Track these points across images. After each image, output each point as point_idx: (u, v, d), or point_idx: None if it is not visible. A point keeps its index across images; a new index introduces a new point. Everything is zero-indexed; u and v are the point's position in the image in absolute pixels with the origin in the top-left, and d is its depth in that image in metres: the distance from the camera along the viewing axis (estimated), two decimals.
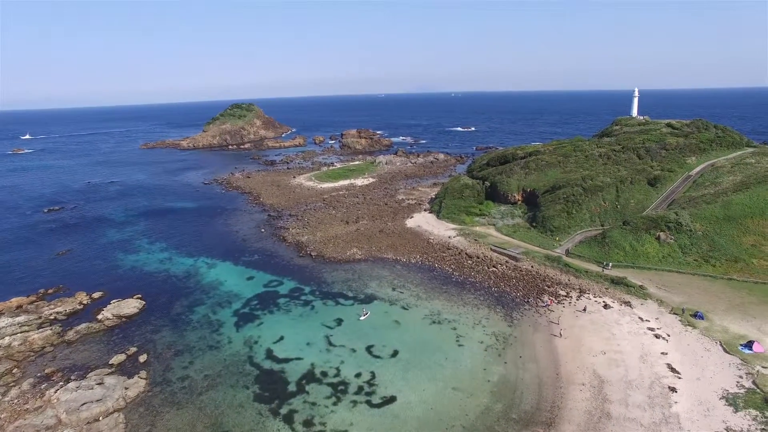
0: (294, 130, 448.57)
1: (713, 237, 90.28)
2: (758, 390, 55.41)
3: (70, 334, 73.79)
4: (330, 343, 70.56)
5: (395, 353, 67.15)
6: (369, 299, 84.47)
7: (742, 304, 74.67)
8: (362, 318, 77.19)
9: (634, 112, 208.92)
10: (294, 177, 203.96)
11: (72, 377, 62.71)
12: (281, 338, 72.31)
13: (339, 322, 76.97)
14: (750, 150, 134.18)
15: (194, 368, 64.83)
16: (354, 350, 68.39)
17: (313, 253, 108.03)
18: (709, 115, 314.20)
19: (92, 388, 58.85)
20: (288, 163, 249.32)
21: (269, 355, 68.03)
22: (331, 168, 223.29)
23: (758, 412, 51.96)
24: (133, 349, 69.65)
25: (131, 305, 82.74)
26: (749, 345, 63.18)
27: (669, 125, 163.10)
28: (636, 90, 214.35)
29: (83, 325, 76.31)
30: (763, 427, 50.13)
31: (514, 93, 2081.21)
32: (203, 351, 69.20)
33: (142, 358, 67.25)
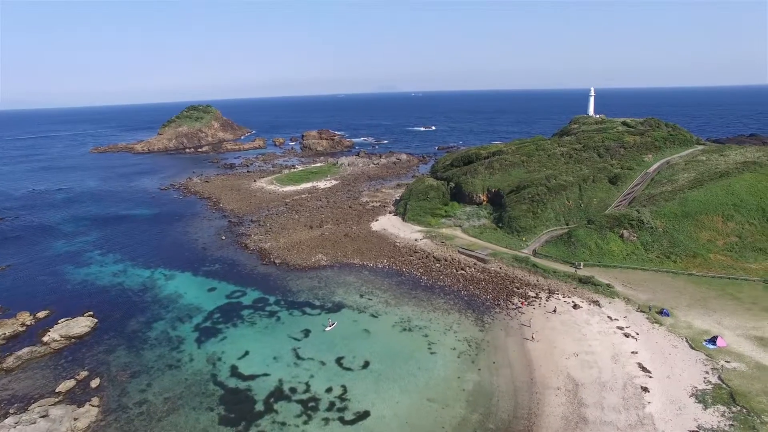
0: (253, 131, 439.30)
1: (673, 233, 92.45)
2: (724, 385, 56.31)
3: (10, 361, 67.60)
4: (298, 357, 67.66)
5: (366, 364, 64.96)
6: (337, 308, 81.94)
7: (703, 299, 76.43)
8: (328, 329, 74.45)
9: (591, 110, 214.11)
10: (254, 180, 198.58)
11: (11, 411, 56.81)
12: (246, 353, 68.85)
13: (306, 333, 74.11)
14: (700, 147, 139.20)
15: (153, 391, 60.63)
16: (323, 363, 65.77)
17: (276, 261, 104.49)
18: (657, 113, 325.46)
19: (35, 422, 53.63)
20: (248, 166, 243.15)
21: (234, 372, 64.54)
22: (292, 170, 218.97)
23: (726, 408, 52.68)
24: (84, 374, 64.47)
25: (82, 324, 77.08)
26: (713, 340, 64.40)
27: (624, 123, 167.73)
28: (592, 89, 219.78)
29: (26, 350, 70.11)
30: (731, 422, 50.79)
31: (473, 92, 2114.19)
32: (162, 371, 64.96)
33: (94, 382, 62.30)
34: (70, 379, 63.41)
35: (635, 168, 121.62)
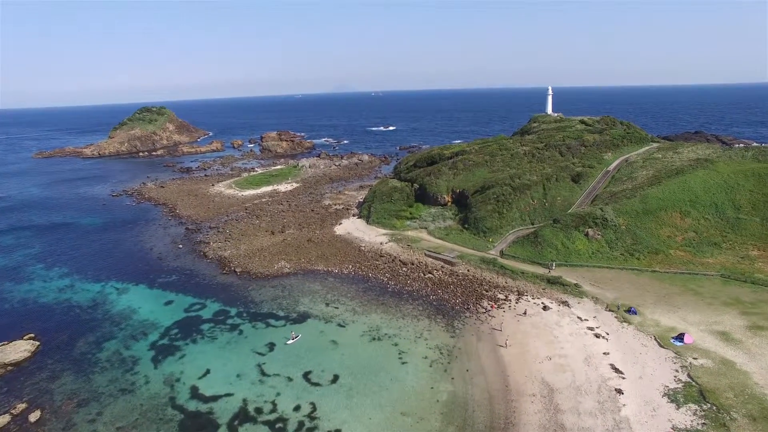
0: (210, 134, 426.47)
1: (635, 231, 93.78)
2: (693, 383, 56.63)
3: None
4: (263, 373, 64.05)
5: (336, 378, 62.07)
6: (302, 318, 78.61)
7: (668, 296, 77.45)
8: (290, 342, 70.97)
9: (549, 109, 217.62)
10: (213, 185, 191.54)
11: None
12: (207, 372, 64.68)
13: (271, 347, 70.49)
14: (655, 145, 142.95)
15: (103, 420, 55.71)
16: (290, 379, 62.45)
17: (237, 269, 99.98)
18: (607, 111, 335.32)
19: None
20: (205, 169, 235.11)
21: (194, 393, 60.35)
22: (252, 173, 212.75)
23: (697, 406, 52.87)
24: (22, 406, 58.32)
25: (20, 348, 70.54)
26: (680, 337, 64.96)
27: (582, 122, 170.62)
28: (550, 88, 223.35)
29: None
30: (703, 421, 50.88)
31: (432, 91, 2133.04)
32: (114, 397, 60.01)
33: (34, 416, 56.39)
34: (4, 413, 57.15)
35: (596, 166, 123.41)
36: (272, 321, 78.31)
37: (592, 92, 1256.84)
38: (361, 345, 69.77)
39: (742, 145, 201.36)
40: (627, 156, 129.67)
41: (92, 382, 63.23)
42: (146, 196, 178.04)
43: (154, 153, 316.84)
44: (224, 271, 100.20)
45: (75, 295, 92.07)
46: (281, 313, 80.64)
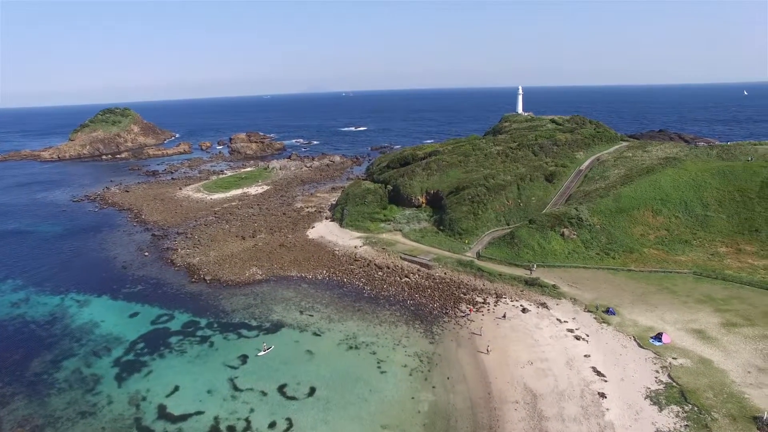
0: (177, 135, 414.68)
1: (610, 230, 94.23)
2: (674, 383, 56.44)
3: None
4: (235, 388, 60.86)
5: (312, 391, 59.45)
6: (275, 327, 75.60)
7: (644, 294, 77.71)
8: (261, 354, 67.83)
9: (520, 108, 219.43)
10: (180, 188, 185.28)
11: None
12: (176, 389, 61.06)
13: (244, 359, 67.28)
14: (625, 144, 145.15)
15: None
16: (264, 393, 59.48)
17: (207, 277, 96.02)
18: (576, 110, 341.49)
19: None
20: (172, 172, 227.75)
21: (162, 413, 56.73)
22: (221, 176, 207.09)
23: (679, 408, 52.56)
24: None
25: None
26: (659, 337, 64.92)
27: (553, 121, 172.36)
28: (520, 88, 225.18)
29: None
30: (686, 423, 50.52)
31: (402, 91, 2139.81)
32: (73, 421, 55.80)
33: None
34: None
35: (569, 165, 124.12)
36: (244, 331, 75.03)
37: (561, 92, 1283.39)
38: (338, 354, 67.34)
39: (702, 143, 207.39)
40: (598, 155, 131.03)
41: (48, 405, 58.74)
42: (110, 201, 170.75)
43: (118, 156, 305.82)
44: (193, 279, 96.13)
45: (30, 309, 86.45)
46: (254, 323, 77.41)
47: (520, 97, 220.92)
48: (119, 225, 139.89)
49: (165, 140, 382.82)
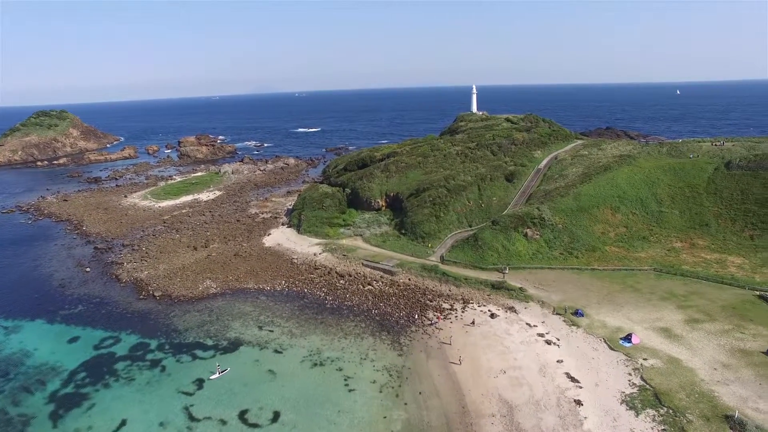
0: (122, 139, 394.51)
1: (572, 229, 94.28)
2: (647, 386, 55.95)
3: None
4: (191, 417, 55.68)
5: (276, 416, 55.13)
6: (233, 346, 70.53)
7: (610, 294, 77.70)
8: (215, 377, 62.75)
9: (474, 107, 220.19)
10: (125, 196, 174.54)
11: None
12: (123, 423, 55.17)
13: (199, 383, 61.99)
14: (580, 142, 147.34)
15: None
16: (224, 422, 54.60)
17: (156, 293, 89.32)
18: (528, 108, 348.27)
19: None
20: (117, 179, 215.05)
21: None
22: (169, 182, 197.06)
23: (655, 411, 51.98)
24: None
25: None
26: (628, 338, 64.55)
27: (508, 120, 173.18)
28: (474, 87, 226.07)
29: None
30: (663, 427, 49.79)
31: (354, 91, 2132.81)
32: None
33: None
34: None
35: (527, 164, 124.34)
36: (199, 352, 69.56)
37: (512, 90, 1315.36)
38: (302, 373, 63.20)
39: (653, 141, 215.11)
40: (556, 153, 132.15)
41: None
42: (45, 211, 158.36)
43: (55, 162, 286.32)
44: (141, 296, 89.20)
45: None
46: (209, 342, 72.00)
47: (474, 96, 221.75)
48: (56, 238, 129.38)
49: (108, 144, 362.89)
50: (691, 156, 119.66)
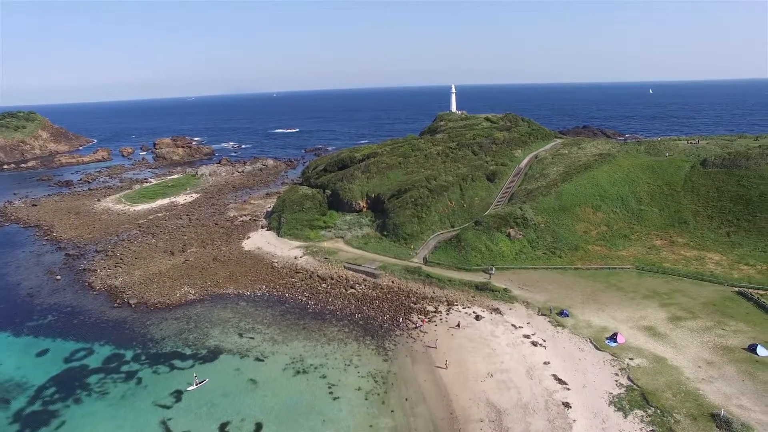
0: (95, 141, 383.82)
1: (554, 228, 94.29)
2: (635, 386, 55.80)
3: None
4: None
5: (259, 428, 53.28)
6: (213, 354, 68.27)
7: (593, 293, 77.68)
8: (193, 388, 60.52)
9: (453, 107, 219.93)
10: (99, 200, 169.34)
11: None
12: None
13: (178, 395, 59.63)
14: (560, 141, 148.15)
15: None
16: None
17: (132, 301, 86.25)
18: (508, 108, 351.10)
19: None
20: (90, 182, 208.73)
21: None
22: (145, 185, 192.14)
23: (643, 412, 51.77)
24: None
25: None
26: (614, 338, 64.42)
27: (487, 119, 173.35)
28: (453, 86, 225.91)
29: None
30: (651, 428, 49.53)
31: (332, 91, 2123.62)
32: None
33: None
34: None
35: (508, 164, 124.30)
36: (178, 362, 67.10)
37: (491, 90, 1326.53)
38: (285, 381, 61.38)
39: (621, 138, 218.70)
40: (536, 152, 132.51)
41: None
42: (13, 216, 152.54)
43: (23, 165, 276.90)
44: (116, 304, 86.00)
45: None
46: (188, 351, 69.56)
47: (453, 96, 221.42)
48: (24, 244, 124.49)
49: (80, 146, 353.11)
50: (667, 154, 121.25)
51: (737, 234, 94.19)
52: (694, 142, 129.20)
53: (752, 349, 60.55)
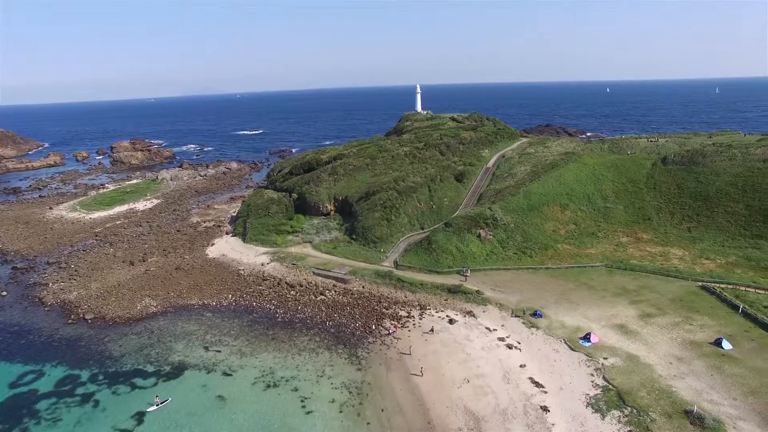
0: (46, 145, 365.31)
1: (524, 228, 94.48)
2: (610, 386, 55.81)
3: None
4: None
5: None
6: (177, 371, 64.73)
7: (565, 293, 77.91)
8: (153, 409, 57.00)
9: (419, 107, 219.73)
10: (51, 208, 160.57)
11: None
12: None
13: (139, 418, 55.96)
14: (525, 140, 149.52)
15: None
16: None
17: (88, 316, 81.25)
18: (473, 107, 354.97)
19: None
20: (40, 189, 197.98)
21: None
22: (102, 191, 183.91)
23: (620, 412, 51.72)
24: None
25: None
26: (587, 337, 64.51)
27: (453, 119, 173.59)
28: (418, 86, 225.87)
29: None
30: (629, 428, 49.44)
31: (296, 92, 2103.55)
32: None
33: None
34: None
35: (476, 164, 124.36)
36: (139, 380, 63.21)
37: (455, 89, 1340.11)
38: (255, 396, 58.59)
39: (584, 136, 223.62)
40: (503, 152, 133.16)
41: None
42: None
43: None
44: (70, 320, 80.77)
45: None
46: (150, 368, 65.70)
47: (418, 96, 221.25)
48: None
49: (29, 151, 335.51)
50: (630, 152, 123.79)
51: (697, 229, 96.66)
52: (653, 140, 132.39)
53: (718, 343, 61.71)
